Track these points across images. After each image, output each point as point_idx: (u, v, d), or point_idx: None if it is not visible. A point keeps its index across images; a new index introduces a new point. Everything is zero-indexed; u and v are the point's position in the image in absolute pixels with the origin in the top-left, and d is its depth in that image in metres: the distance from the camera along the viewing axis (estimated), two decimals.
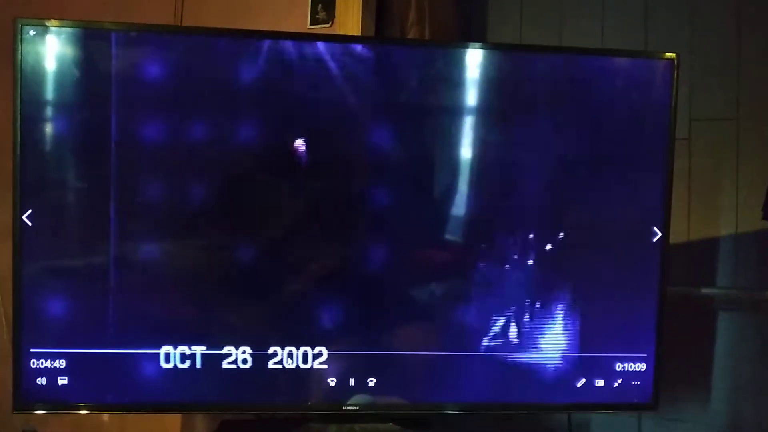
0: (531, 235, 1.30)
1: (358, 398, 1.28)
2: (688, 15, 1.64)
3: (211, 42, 1.22)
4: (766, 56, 1.60)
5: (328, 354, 1.27)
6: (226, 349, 1.25)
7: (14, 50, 1.17)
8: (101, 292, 1.22)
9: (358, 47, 1.25)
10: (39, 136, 1.19)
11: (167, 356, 1.24)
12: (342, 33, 1.58)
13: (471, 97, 1.27)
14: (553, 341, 1.31)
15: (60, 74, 1.19)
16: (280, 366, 1.26)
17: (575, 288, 1.31)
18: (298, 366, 1.27)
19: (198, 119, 1.22)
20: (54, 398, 1.22)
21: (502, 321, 1.30)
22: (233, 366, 1.25)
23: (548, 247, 1.30)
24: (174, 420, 1.65)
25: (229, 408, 1.32)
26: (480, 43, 1.30)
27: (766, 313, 1.60)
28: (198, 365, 1.25)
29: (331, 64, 1.23)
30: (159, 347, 1.24)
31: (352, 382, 1.28)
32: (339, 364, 1.28)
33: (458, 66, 1.27)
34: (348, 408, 1.28)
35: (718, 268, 1.64)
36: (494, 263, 1.29)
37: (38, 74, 1.18)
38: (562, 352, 1.31)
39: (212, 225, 1.25)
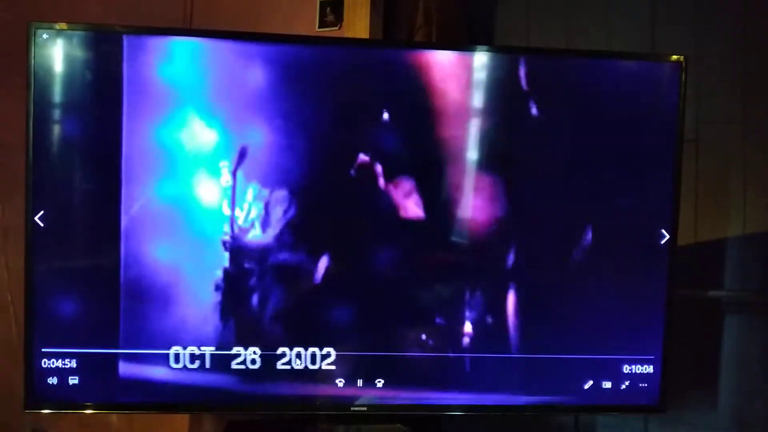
0: (539, 238, 1.30)
1: (366, 399, 1.29)
2: (695, 17, 1.64)
3: (221, 44, 1.24)
4: None
5: (337, 355, 1.28)
6: (235, 350, 1.26)
7: (27, 53, 1.18)
8: (112, 292, 1.23)
9: (366, 50, 1.26)
10: (51, 138, 1.20)
11: (177, 356, 1.25)
12: (350, 36, 1.59)
13: (477, 99, 1.28)
14: (561, 343, 1.31)
15: (72, 77, 1.20)
16: (288, 367, 1.27)
17: (584, 290, 1.31)
18: (306, 367, 1.28)
19: (207, 121, 1.23)
20: (64, 398, 1.24)
21: (510, 323, 1.31)
22: (242, 366, 1.26)
23: (557, 249, 1.30)
24: (182, 420, 1.66)
25: (238, 408, 1.33)
26: (487, 46, 1.31)
27: None
28: (207, 365, 1.26)
29: (339, 67, 1.25)
30: (168, 348, 1.25)
31: (360, 382, 1.29)
32: (347, 365, 1.28)
33: (465, 68, 1.27)
34: (356, 408, 1.29)
35: (726, 270, 1.63)
36: (502, 266, 1.30)
37: (50, 77, 1.20)
38: (570, 354, 1.31)
39: (221, 226, 1.25)
